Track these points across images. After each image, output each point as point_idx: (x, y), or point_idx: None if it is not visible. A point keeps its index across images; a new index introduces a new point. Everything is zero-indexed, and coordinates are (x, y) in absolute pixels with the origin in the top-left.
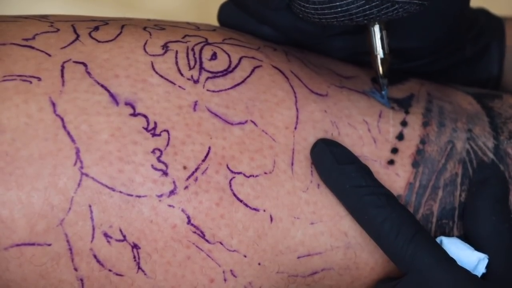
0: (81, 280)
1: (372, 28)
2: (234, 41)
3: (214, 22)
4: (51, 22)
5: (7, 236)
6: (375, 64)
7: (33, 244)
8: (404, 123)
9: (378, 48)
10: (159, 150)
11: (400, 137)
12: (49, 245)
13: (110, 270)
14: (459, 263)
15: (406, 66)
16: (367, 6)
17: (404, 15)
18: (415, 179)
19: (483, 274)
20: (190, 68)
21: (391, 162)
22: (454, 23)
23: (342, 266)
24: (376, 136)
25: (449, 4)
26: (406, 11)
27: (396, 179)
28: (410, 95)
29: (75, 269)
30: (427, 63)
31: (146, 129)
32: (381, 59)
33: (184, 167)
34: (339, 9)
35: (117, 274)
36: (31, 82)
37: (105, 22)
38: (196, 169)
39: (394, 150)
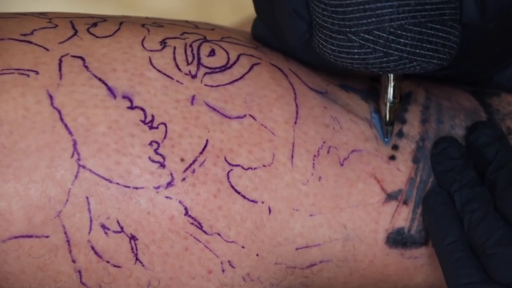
0: (79, 272)
1: (387, 75)
2: (232, 39)
3: (214, 22)
4: (49, 19)
5: (5, 228)
6: (383, 110)
7: (31, 236)
8: (403, 121)
9: (389, 96)
10: (156, 142)
11: (400, 134)
12: (47, 237)
13: (108, 262)
14: None
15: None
16: (384, 59)
17: (421, 72)
18: (416, 174)
19: None
20: (188, 64)
21: (392, 157)
22: (477, 45)
23: (340, 258)
24: (377, 132)
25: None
26: (423, 68)
27: (398, 174)
28: (408, 93)
29: (73, 261)
30: (437, 78)
31: (143, 122)
32: (390, 107)
33: (182, 159)
34: (356, 57)
35: (115, 266)
36: (28, 76)
37: (103, 19)
38: (194, 161)
39: (395, 146)
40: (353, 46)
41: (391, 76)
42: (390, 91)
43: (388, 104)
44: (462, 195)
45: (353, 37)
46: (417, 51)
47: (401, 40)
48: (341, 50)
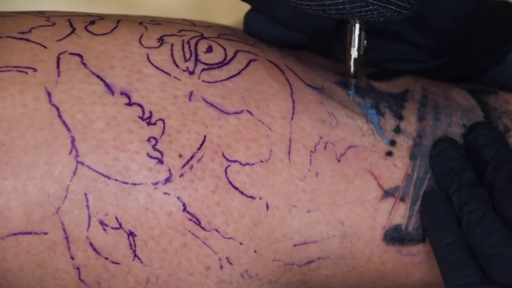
0: (78, 268)
1: (352, 26)
2: (229, 36)
3: (213, 21)
4: (47, 17)
5: (3, 225)
6: (347, 62)
7: (29, 233)
8: (400, 117)
9: (353, 47)
10: (154, 138)
11: (397, 130)
12: (46, 233)
13: (106, 258)
14: None
15: (406, 68)
16: (340, 1)
17: (380, 19)
18: (413, 171)
19: None
20: (186, 60)
21: (389, 153)
22: (466, 28)
23: (338, 255)
24: (374, 127)
25: (459, 6)
26: (381, 15)
27: (395, 170)
28: (405, 90)
29: (72, 258)
30: (431, 68)
31: (141, 118)
32: (355, 59)
33: (180, 155)
34: None
35: (113, 262)
36: (27, 73)
37: (101, 17)
38: (192, 157)
39: (392, 142)
40: None
41: (356, 27)
42: (355, 42)
43: (352, 56)
44: (460, 196)
45: None
46: None
47: None
48: None
